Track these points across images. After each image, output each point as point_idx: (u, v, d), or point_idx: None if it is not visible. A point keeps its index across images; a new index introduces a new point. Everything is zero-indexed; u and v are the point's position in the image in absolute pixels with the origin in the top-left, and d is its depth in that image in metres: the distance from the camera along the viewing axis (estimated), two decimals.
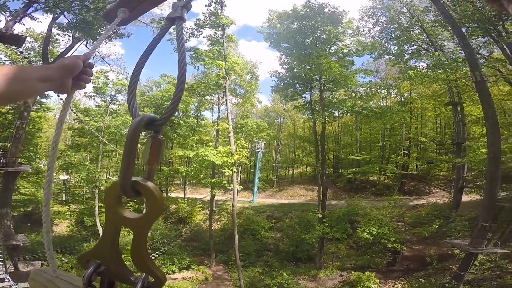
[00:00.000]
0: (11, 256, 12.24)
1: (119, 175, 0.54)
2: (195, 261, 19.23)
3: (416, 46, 20.32)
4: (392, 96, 30.76)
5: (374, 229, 15.50)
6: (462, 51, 14.70)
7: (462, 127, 19.77)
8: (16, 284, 9.49)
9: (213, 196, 21.83)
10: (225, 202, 26.42)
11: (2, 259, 10.75)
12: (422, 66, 20.67)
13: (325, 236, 17.81)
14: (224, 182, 20.25)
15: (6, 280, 9.57)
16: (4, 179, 14.08)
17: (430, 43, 19.53)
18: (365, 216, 17.64)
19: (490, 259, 11.95)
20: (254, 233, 21.47)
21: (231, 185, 19.33)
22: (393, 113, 23.55)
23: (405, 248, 15.61)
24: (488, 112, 11.85)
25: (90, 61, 0.79)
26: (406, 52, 20.73)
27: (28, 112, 15.21)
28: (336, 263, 17.28)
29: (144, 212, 0.55)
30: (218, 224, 23.92)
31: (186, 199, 28.70)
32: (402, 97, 29.16)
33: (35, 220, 25.27)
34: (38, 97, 18.32)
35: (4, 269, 10.33)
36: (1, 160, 13.20)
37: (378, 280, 13.59)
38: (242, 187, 22.00)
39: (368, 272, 14.28)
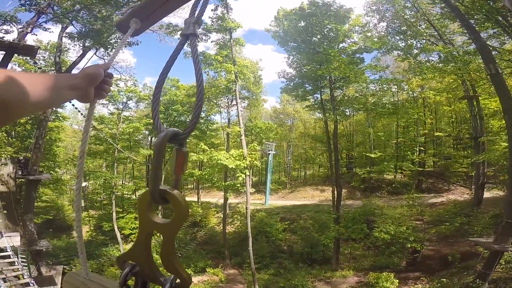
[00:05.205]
0: (35, 261, 12.65)
1: (148, 183, 0.60)
2: (210, 264, 19.28)
3: (424, 41, 19.66)
4: (404, 91, 30.04)
5: (391, 228, 15.06)
6: (473, 44, 14.16)
7: (480, 121, 18.93)
8: None
9: (226, 199, 21.86)
10: (238, 204, 26.42)
11: (26, 264, 11.12)
12: (432, 60, 19.92)
13: (341, 236, 17.46)
14: (237, 185, 20.25)
15: (31, 284, 9.86)
16: (26, 187, 14.69)
17: (439, 37, 18.84)
18: (381, 215, 17.19)
19: None
20: (268, 235, 21.31)
21: (244, 188, 19.31)
22: (407, 108, 22.90)
23: (425, 247, 15.03)
24: (506, 105, 11.37)
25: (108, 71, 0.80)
26: (415, 47, 20.04)
27: (46, 122, 15.75)
28: (353, 264, 16.86)
29: (171, 218, 0.58)
30: (232, 227, 23.93)
31: (199, 203, 28.92)
32: (414, 93, 28.34)
33: (56, 226, 26.19)
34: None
35: (28, 273, 10.66)
36: (23, 169, 13.72)
37: (397, 281, 13.11)
38: (254, 190, 21.90)
39: (387, 273, 13.80)
